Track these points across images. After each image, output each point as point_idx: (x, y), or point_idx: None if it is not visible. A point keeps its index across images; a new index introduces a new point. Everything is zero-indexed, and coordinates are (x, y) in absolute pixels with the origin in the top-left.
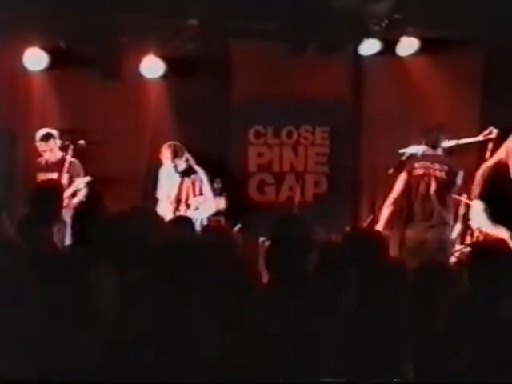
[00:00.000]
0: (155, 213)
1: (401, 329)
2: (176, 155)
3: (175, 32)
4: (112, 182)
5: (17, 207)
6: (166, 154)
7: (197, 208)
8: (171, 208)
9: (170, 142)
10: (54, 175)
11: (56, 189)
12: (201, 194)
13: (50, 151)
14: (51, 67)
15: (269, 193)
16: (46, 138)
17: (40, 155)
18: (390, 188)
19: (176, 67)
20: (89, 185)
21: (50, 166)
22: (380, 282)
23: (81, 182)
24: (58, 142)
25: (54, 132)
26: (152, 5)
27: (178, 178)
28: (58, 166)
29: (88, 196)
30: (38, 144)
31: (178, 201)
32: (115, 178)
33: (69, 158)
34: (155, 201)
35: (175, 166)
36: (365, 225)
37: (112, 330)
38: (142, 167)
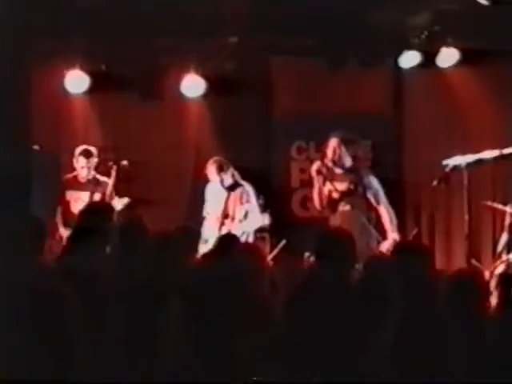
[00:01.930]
0: (199, 233)
1: (446, 341)
2: (221, 170)
3: (215, 50)
4: (155, 202)
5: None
6: (211, 169)
7: (245, 217)
8: (217, 223)
9: (214, 158)
10: (85, 194)
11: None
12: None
13: (88, 168)
14: (92, 89)
15: (312, 208)
16: (87, 154)
17: (71, 172)
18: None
19: (216, 86)
20: (127, 206)
21: (81, 185)
22: (425, 294)
23: (119, 203)
24: (95, 160)
25: (93, 150)
26: (191, 24)
27: (224, 193)
28: (88, 185)
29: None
30: (77, 159)
31: (225, 216)
32: (158, 198)
33: (101, 177)
34: (200, 219)
35: (221, 181)
36: (409, 238)
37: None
38: (185, 186)
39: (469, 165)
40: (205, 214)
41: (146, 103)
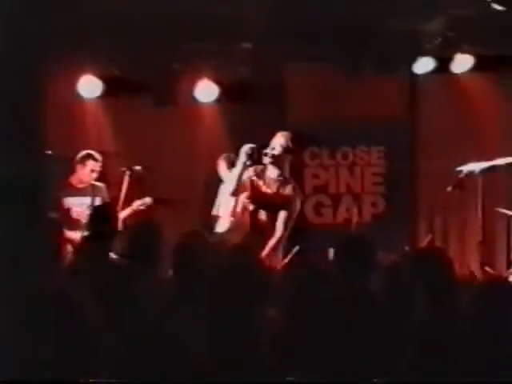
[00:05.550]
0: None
1: (469, 346)
2: (232, 165)
3: (229, 56)
4: (167, 207)
5: None
6: (221, 165)
7: None
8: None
9: (225, 154)
10: (86, 199)
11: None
12: None
13: (97, 172)
14: (106, 94)
15: (326, 214)
16: (94, 158)
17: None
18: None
19: (230, 91)
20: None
21: (79, 190)
22: (443, 300)
23: (141, 204)
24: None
25: (97, 154)
26: (205, 30)
27: None
28: (87, 190)
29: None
30: (85, 163)
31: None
32: (170, 202)
33: (98, 183)
34: (213, 222)
35: None
36: (424, 244)
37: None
38: (197, 191)
39: (483, 171)
40: (215, 212)
41: (159, 108)
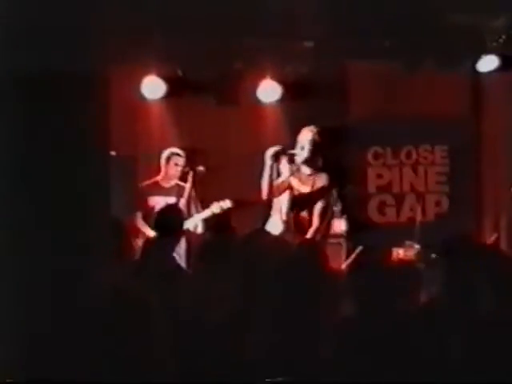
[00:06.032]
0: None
1: None
2: (292, 161)
3: (291, 55)
4: (231, 207)
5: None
6: (283, 162)
7: None
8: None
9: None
10: (171, 199)
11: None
12: None
13: (180, 167)
14: (169, 95)
15: (389, 214)
16: (179, 154)
17: (149, 176)
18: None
19: (292, 90)
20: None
21: (165, 190)
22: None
23: (218, 208)
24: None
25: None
26: (267, 29)
27: None
28: (172, 190)
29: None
30: (170, 158)
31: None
32: (234, 201)
33: (187, 185)
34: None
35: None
36: (489, 243)
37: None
38: (261, 191)
39: None
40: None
41: (221, 108)
